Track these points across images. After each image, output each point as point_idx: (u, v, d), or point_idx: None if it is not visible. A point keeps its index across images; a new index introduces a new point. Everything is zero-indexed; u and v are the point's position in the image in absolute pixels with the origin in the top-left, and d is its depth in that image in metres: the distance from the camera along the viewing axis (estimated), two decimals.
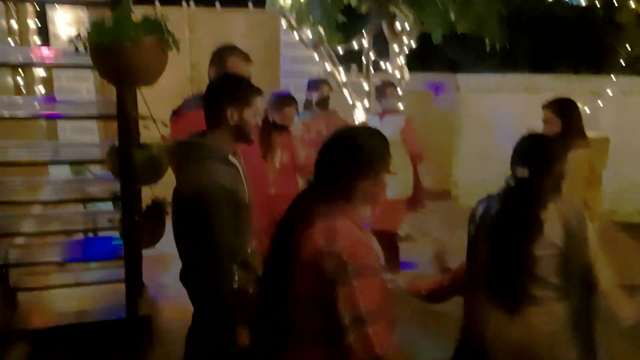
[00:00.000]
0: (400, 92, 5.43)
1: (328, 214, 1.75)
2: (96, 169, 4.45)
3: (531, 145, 2.25)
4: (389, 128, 4.65)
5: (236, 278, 2.32)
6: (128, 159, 2.96)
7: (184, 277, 2.46)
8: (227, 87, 2.37)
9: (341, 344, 1.69)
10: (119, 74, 2.55)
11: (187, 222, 2.31)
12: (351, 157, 1.78)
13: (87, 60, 3.06)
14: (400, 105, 5.33)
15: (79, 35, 2.59)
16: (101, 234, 4.42)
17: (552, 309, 2.15)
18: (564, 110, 3.40)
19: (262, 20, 6.70)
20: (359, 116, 5.40)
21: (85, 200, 3.93)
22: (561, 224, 2.13)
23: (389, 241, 4.43)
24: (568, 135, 3.31)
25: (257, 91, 2.40)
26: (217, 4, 6.61)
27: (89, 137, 6.49)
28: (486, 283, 2.22)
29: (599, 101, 6.59)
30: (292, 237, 1.78)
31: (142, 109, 3.18)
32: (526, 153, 2.21)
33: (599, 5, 6.04)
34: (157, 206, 3.48)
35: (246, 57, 3.22)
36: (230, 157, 2.37)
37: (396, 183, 4.48)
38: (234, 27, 6.75)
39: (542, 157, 2.19)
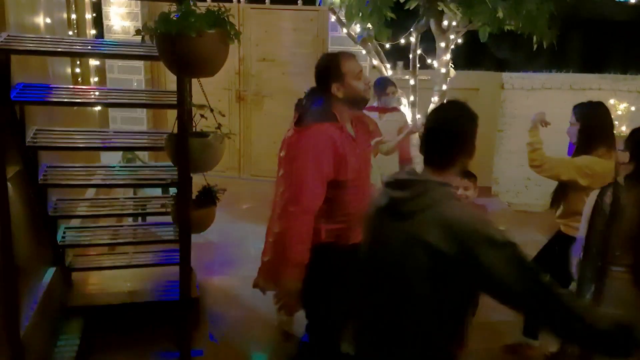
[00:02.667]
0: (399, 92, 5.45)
1: None
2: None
3: None
4: (389, 127, 4.66)
5: None
6: (185, 146, 3.09)
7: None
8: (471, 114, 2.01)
9: None
10: (183, 63, 2.67)
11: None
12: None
13: (139, 50, 3.24)
14: (401, 102, 5.43)
15: (145, 25, 2.72)
16: (150, 219, 4.63)
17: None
18: (584, 113, 3.43)
19: (311, 16, 6.82)
20: (405, 111, 5.45)
21: (143, 185, 4.10)
22: None
23: None
24: (588, 139, 3.38)
25: None
26: (267, 0, 6.75)
27: (138, 128, 6.73)
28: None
29: None
30: None
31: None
32: None
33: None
34: (209, 193, 3.64)
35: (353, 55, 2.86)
36: None
37: None
38: (283, 23, 6.90)
39: None
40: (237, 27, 2.79)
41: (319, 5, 5.57)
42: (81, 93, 3.60)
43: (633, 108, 6.05)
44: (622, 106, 5.86)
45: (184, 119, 3.03)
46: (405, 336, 1.91)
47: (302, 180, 2.61)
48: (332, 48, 6.58)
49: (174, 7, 2.77)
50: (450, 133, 1.94)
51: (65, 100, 3.36)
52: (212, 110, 3.26)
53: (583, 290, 2.71)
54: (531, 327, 3.63)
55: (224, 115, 3.29)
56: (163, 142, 3.34)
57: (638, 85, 6.69)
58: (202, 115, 3.30)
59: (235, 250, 5.22)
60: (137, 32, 2.73)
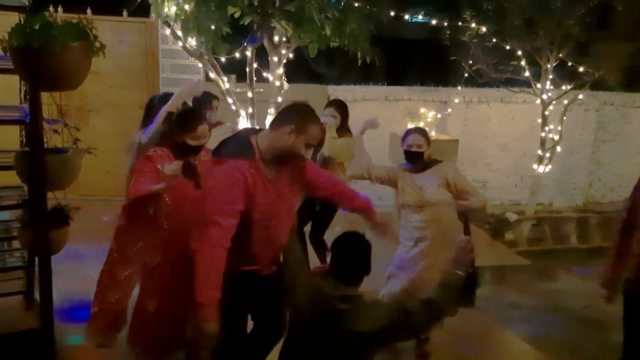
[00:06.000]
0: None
1: None
2: None
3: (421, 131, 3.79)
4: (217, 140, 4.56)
5: None
6: (39, 164, 2.93)
7: None
8: None
9: None
10: (45, 78, 2.56)
11: None
12: None
13: None
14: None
15: None
16: None
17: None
18: (342, 108, 4.71)
19: (138, 28, 6.65)
20: (243, 123, 5.62)
21: None
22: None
23: None
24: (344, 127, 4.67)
25: None
26: (89, 11, 6.43)
27: None
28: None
29: (449, 109, 7.48)
30: None
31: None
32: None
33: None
34: (60, 212, 3.46)
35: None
36: None
37: None
38: (106, 34, 6.54)
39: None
40: None
41: (153, 17, 5.48)
42: None
43: (439, 115, 6.95)
44: (431, 114, 6.69)
45: (40, 134, 2.87)
46: None
47: (213, 219, 2.44)
48: (164, 61, 6.51)
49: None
50: None
51: None
52: (66, 125, 3.13)
53: None
54: None
55: (79, 130, 3.18)
56: None
57: (440, 95, 7.72)
58: (55, 131, 3.16)
59: (74, 275, 4.90)
60: None
